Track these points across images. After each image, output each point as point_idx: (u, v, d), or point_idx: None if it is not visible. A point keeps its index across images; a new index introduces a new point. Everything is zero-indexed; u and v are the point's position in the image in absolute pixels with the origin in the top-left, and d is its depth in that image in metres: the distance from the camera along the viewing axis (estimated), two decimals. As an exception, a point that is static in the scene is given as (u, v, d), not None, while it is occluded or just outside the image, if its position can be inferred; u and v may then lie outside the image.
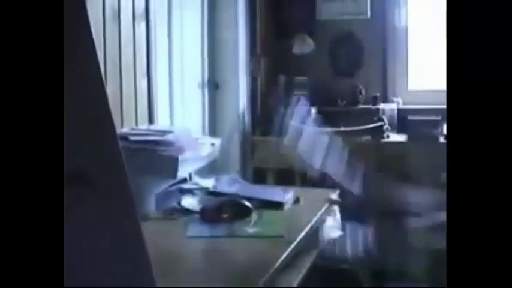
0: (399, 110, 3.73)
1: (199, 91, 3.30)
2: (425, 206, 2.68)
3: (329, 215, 2.04)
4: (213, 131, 3.39)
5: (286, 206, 1.93)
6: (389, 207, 2.75)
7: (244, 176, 3.33)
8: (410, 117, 3.61)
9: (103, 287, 0.98)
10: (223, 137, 3.09)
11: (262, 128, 3.76)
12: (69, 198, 0.90)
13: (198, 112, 3.28)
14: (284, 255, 1.49)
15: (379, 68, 3.90)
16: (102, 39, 2.06)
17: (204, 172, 2.21)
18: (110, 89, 2.07)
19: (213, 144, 2.14)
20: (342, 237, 2.31)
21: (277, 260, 1.45)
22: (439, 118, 3.43)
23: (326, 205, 2.01)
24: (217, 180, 2.16)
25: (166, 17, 2.83)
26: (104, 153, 0.99)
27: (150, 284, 1.00)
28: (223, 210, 1.78)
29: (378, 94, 3.81)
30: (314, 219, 1.84)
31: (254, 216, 1.78)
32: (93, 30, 0.99)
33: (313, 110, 3.67)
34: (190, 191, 2.01)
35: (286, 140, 2.88)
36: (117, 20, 2.17)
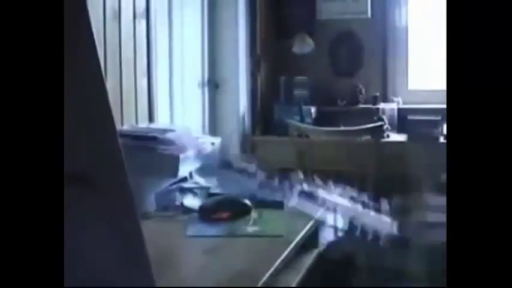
0: (399, 109, 3.73)
1: (199, 90, 3.30)
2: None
3: (329, 215, 2.04)
4: (213, 130, 3.39)
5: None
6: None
7: (244, 176, 3.33)
8: (410, 117, 3.61)
9: (103, 287, 0.98)
10: (223, 136, 3.09)
11: (262, 128, 3.76)
12: (69, 197, 0.90)
13: (198, 111, 3.28)
14: (284, 255, 1.49)
15: (379, 67, 3.90)
16: (103, 38, 2.06)
17: (204, 171, 2.21)
18: (110, 87, 2.06)
19: (213, 144, 2.14)
20: (341, 237, 2.32)
21: (277, 260, 1.44)
22: (439, 118, 3.44)
23: (326, 205, 2.01)
24: (217, 179, 2.16)
25: (166, 16, 2.83)
26: (104, 151, 0.99)
27: (150, 284, 1.00)
28: (223, 209, 1.78)
29: (377, 94, 3.81)
30: (314, 219, 1.84)
31: (254, 215, 1.78)
32: (93, 28, 0.99)
33: (313, 110, 3.67)
34: (190, 190, 2.01)
35: None
36: (118, 18, 2.17)
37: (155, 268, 1.00)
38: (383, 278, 2.64)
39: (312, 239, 1.86)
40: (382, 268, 2.67)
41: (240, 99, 3.48)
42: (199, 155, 1.99)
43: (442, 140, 3.31)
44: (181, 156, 1.81)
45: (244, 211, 1.79)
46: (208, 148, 2.09)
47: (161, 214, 1.83)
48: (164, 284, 1.18)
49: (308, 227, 1.75)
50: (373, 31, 3.87)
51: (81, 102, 0.97)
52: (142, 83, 2.38)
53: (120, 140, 1.00)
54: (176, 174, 1.84)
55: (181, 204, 1.90)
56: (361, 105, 3.83)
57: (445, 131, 3.33)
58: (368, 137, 3.37)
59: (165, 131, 1.96)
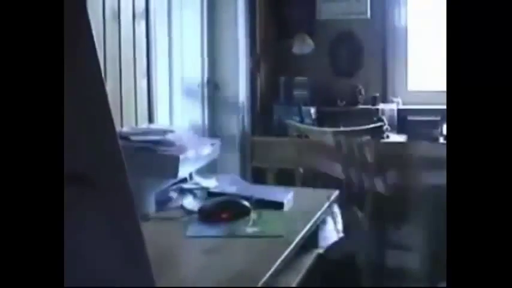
0: (399, 110, 3.73)
1: (199, 91, 3.30)
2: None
3: (329, 215, 2.04)
4: (213, 131, 3.40)
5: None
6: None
7: (244, 176, 3.33)
8: (410, 118, 3.62)
9: (103, 287, 0.98)
10: (223, 136, 3.09)
11: (262, 128, 3.76)
12: (69, 197, 0.90)
13: (198, 112, 3.28)
14: (284, 255, 1.49)
15: (379, 68, 3.91)
16: (102, 39, 2.06)
17: (204, 172, 2.21)
18: (110, 88, 2.07)
19: (213, 144, 2.14)
20: (341, 238, 2.32)
21: (277, 260, 1.44)
22: (438, 118, 3.44)
23: (326, 205, 2.01)
24: (217, 180, 2.16)
25: (166, 17, 2.83)
26: (104, 152, 0.99)
27: (150, 284, 1.00)
28: (223, 210, 1.78)
29: (377, 94, 3.81)
30: (314, 219, 1.84)
31: (253, 216, 1.78)
32: (93, 29, 0.99)
33: (313, 110, 3.68)
34: (190, 191, 2.01)
35: None
36: (117, 19, 2.17)
37: (155, 268, 1.00)
38: (383, 278, 2.64)
39: (312, 239, 1.86)
40: (382, 268, 2.67)
41: (239, 100, 3.48)
42: (199, 155, 1.99)
43: (442, 140, 3.31)
44: (181, 157, 1.81)
45: (244, 212, 1.79)
46: (208, 149, 2.09)
47: (161, 215, 1.83)
48: (164, 284, 1.18)
49: (308, 227, 1.75)
50: (372, 31, 3.88)
51: (81, 103, 0.97)
52: (142, 83, 2.38)
53: (120, 141, 1.00)
54: (176, 175, 1.84)
55: (181, 205, 1.91)
56: (361, 106, 3.83)
57: (444, 132, 3.33)
58: (368, 138, 3.38)
59: (164, 131, 1.96)
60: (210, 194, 1.98)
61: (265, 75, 3.84)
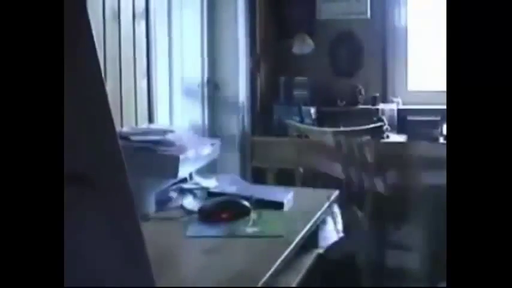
0: (399, 110, 3.73)
1: (199, 91, 3.30)
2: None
3: (329, 216, 2.04)
4: (213, 131, 3.40)
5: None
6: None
7: (244, 176, 3.33)
8: (410, 118, 3.61)
9: (103, 287, 0.98)
10: (223, 137, 3.09)
11: (262, 128, 3.76)
12: (69, 198, 0.90)
13: (198, 112, 3.28)
14: (284, 255, 1.49)
15: (379, 68, 3.91)
16: (102, 39, 2.06)
17: (204, 172, 2.21)
18: (110, 88, 2.07)
19: (213, 144, 2.14)
20: (341, 238, 2.32)
21: (277, 260, 1.44)
22: (438, 118, 3.44)
23: (326, 205, 2.01)
24: (217, 180, 2.16)
25: (166, 17, 2.83)
26: (104, 152, 0.99)
27: (150, 284, 1.00)
28: (222, 210, 1.78)
29: (377, 94, 3.81)
30: (314, 219, 1.84)
31: (253, 216, 1.78)
32: (93, 29, 0.99)
33: (313, 110, 3.67)
34: (190, 191, 2.01)
35: None
36: (117, 19, 2.17)
37: (155, 268, 1.00)
38: (383, 278, 2.64)
39: (312, 239, 1.86)
40: (382, 268, 2.67)
41: (240, 100, 3.48)
42: (199, 155, 1.99)
43: (442, 140, 3.31)
44: (181, 157, 1.81)
45: (244, 212, 1.79)
46: (208, 149, 2.09)
47: (161, 215, 1.83)
48: (164, 284, 1.18)
49: (308, 227, 1.75)
50: (372, 31, 3.88)
51: (81, 103, 0.97)
52: (142, 83, 2.38)
53: (120, 141, 1.00)
54: (176, 175, 1.84)
55: (181, 205, 1.91)
56: (361, 106, 3.83)
57: (444, 132, 3.33)
58: (368, 138, 3.38)
59: (164, 131, 1.96)
60: (210, 194, 1.98)
61: (265, 75, 3.84)
